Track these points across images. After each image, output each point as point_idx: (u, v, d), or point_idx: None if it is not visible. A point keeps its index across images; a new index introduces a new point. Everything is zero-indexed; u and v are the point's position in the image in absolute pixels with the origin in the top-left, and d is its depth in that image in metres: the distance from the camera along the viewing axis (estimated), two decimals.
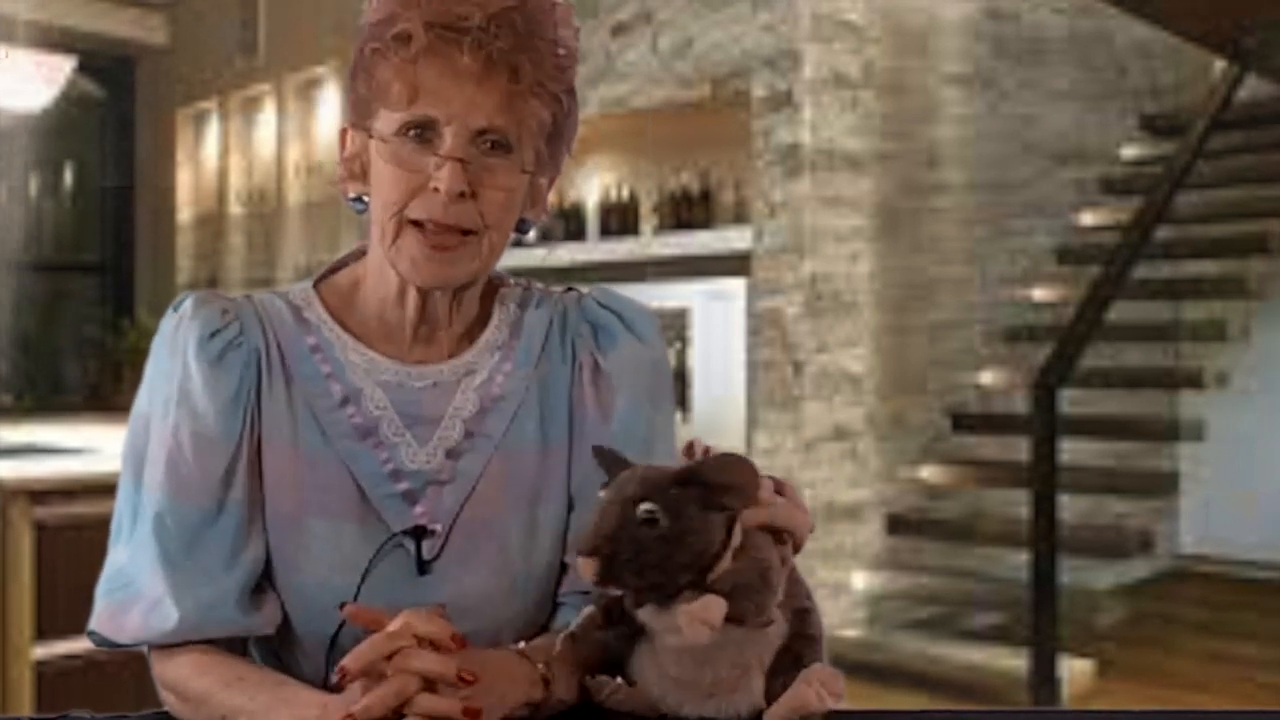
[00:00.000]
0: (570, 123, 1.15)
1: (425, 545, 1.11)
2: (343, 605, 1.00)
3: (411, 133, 1.08)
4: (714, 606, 0.94)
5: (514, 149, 1.09)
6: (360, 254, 1.20)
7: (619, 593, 0.96)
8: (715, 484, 0.96)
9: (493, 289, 1.21)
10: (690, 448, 1.03)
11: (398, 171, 1.08)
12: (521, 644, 1.06)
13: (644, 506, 0.94)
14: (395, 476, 1.12)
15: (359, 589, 1.09)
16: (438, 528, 1.12)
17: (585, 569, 0.93)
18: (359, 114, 1.12)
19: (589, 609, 1.02)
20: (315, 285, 1.20)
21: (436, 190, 1.07)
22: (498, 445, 1.15)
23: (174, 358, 1.12)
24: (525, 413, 1.16)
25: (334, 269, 1.22)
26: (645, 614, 0.98)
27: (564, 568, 1.16)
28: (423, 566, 1.11)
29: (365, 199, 1.14)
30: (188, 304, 1.14)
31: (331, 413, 1.13)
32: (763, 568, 0.98)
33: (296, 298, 1.18)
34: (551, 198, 1.22)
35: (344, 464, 1.12)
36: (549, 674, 1.03)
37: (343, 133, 1.16)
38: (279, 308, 1.17)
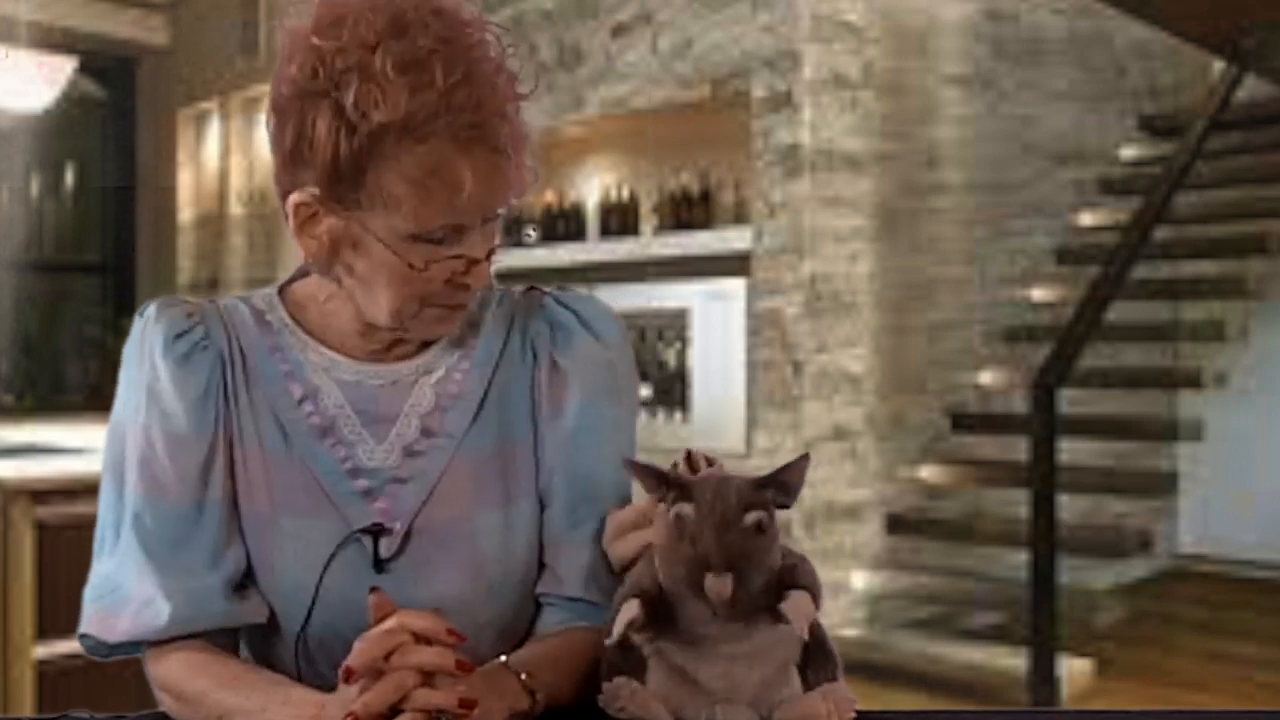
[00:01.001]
0: None
1: (383, 543, 1.11)
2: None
3: (435, 236, 1.06)
4: (806, 600, 0.95)
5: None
6: None
7: (731, 607, 0.93)
8: (791, 485, 0.96)
9: None
10: (690, 458, 1.03)
11: (420, 273, 1.07)
12: (504, 657, 1.06)
13: (752, 515, 0.93)
14: (353, 474, 1.13)
15: (318, 586, 1.09)
16: (395, 526, 1.12)
17: (721, 589, 0.91)
18: (340, 201, 1.07)
19: (629, 604, 0.96)
20: (280, 291, 1.20)
21: (467, 287, 1.09)
22: (460, 445, 1.14)
23: (142, 362, 1.14)
24: (487, 412, 1.16)
25: (295, 278, 1.22)
26: (707, 624, 0.95)
27: (541, 567, 1.16)
28: (379, 565, 1.11)
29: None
30: (152, 309, 1.16)
31: (291, 412, 1.14)
32: (803, 560, 0.99)
33: (260, 302, 1.19)
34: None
35: (305, 463, 1.12)
36: (533, 684, 1.03)
37: (297, 206, 1.10)
38: (241, 311, 1.17)
